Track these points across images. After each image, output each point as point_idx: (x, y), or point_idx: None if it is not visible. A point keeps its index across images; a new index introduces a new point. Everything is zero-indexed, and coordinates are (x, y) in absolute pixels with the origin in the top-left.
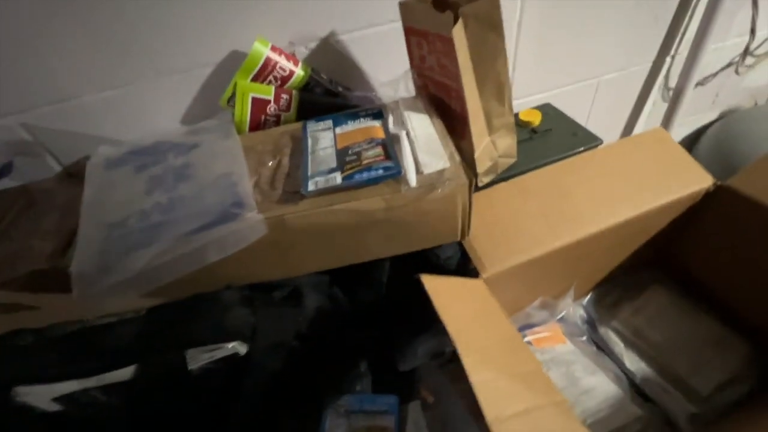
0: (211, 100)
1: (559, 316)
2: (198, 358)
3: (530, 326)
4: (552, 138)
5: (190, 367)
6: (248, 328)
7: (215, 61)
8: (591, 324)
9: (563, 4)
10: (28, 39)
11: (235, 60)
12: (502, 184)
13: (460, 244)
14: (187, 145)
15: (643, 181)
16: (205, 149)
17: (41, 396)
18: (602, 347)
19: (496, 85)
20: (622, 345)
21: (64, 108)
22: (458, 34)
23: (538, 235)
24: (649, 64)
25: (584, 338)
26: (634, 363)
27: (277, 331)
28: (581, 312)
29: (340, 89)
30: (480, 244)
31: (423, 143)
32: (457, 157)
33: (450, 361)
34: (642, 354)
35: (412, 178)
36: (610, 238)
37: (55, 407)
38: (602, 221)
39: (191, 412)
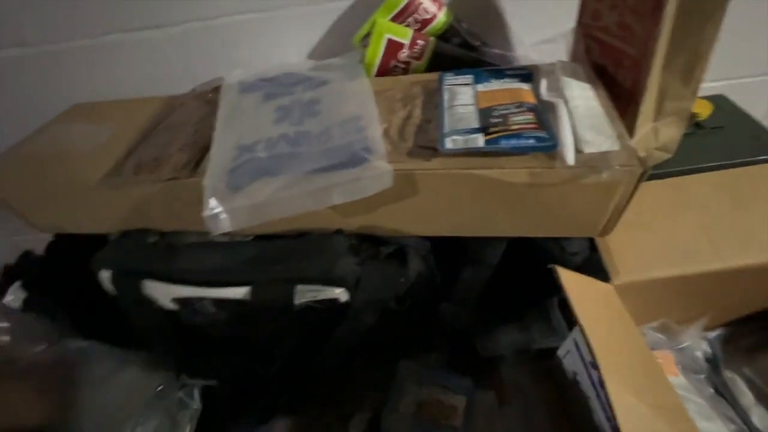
0: (344, 36)
1: (680, 347)
2: (304, 295)
3: None
4: (723, 137)
5: (295, 302)
6: (354, 277)
7: None
8: (714, 363)
9: None
10: None
11: None
12: (655, 182)
13: (591, 241)
14: (317, 80)
15: None
16: (334, 87)
17: (163, 293)
18: (722, 393)
19: (690, 58)
20: (751, 396)
21: (208, 26)
22: None
23: (693, 250)
24: None
25: (701, 377)
26: (764, 421)
27: (380, 287)
28: (705, 347)
29: (477, 43)
30: (617, 245)
31: (585, 117)
32: (629, 141)
33: (535, 360)
34: None
35: (570, 155)
36: None
37: (173, 306)
38: None
39: (285, 341)
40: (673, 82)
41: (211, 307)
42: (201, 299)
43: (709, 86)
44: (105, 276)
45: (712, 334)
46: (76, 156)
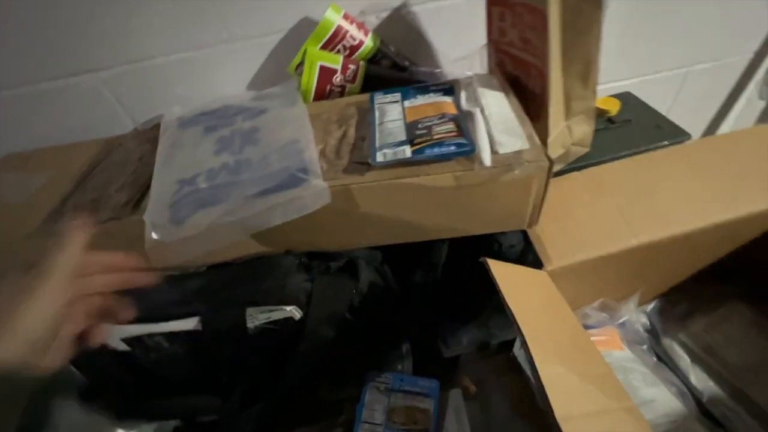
0: (280, 66)
1: (620, 321)
2: (256, 318)
3: (586, 327)
4: (632, 129)
5: (248, 325)
6: (305, 294)
7: (287, 27)
8: (654, 333)
9: None
10: None
11: (307, 27)
12: (575, 174)
13: (524, 234)
14: (256, 109)
15: (740, 183)
16: (272, 115)
17: (112, 335)
18: (664, 359)
19: (583, 64)
20: (688, 360)
21: (142, 67)
22: (553, 4)
23: (612, 231)
24: (750, 56)
25: (644, 347)
26: (701, 381)
27: (333, 300)
28: (644, 319)
29: (406, 63)
30: (547, 234)
31: (498, 122)
32: (537, 140)
33: (496, 354)
34: (712, 373)
35: (487, 157)
36: (694, 243)
37: (124, 347)
38: (688, 223)
39: (244, 367)
40: (574, 85)
41: (164, 343)
42: (152, 336)
43: (615, 86)
44: None
45: (649, 307)
46: (7, 208)
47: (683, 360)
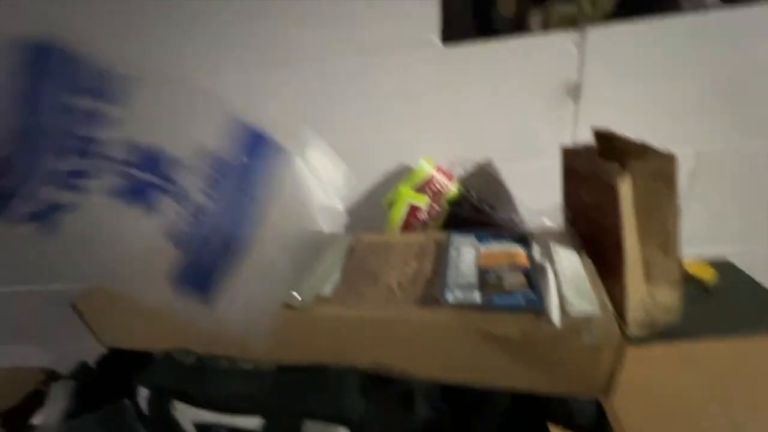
0: (375, 200)
1: None
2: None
3: None
4: (731, 303)
5: None
6: (358, 416)
7: (386, 170)
8: None
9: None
10: None
11: (398, 171)
12: (663, 346)
13: (598, 403)
14: None
15: None
16: None
17: (187, 416)
18: None
19: (662, 236)
20: None
21: None
22: (624, 186)
23: (709, 424)
24: None
25: None
26: None
27: (383, 430)
28: None
29: (486, 208)
30: (625, 409)
31: (570, 280)
32: (610, 307)
33: None
34: None
35: (556, 317)
36: None
37: (192, 431)
38: None
39: None
40: (654, 253)
41: None
42: (219, 426)
43: (714, 250)
44: (143, 395)
45: None
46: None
47: None
